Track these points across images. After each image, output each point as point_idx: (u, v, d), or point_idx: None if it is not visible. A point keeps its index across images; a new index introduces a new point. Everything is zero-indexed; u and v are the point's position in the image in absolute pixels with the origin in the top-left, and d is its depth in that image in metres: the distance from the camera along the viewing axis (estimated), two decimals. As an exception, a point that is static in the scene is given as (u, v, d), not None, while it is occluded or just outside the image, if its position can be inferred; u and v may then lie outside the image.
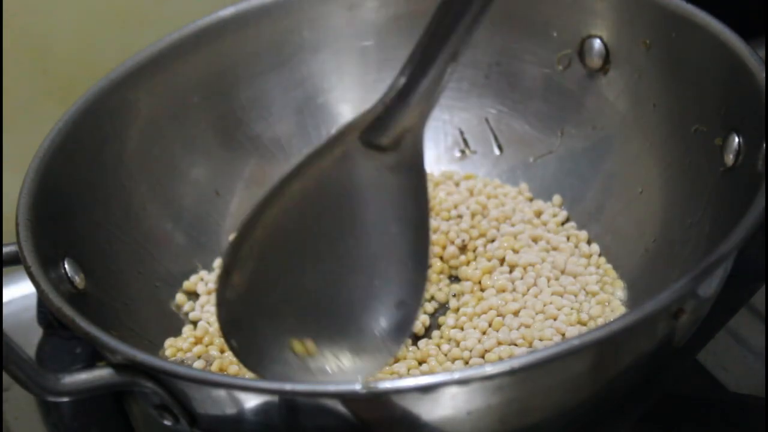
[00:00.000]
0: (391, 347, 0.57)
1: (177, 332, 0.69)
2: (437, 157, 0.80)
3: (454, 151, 0.80)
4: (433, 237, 0.73)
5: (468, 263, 0.72)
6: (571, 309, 0.66)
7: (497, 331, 0.66)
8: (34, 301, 0.73)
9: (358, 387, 0.49)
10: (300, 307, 0.58)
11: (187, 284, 0.72)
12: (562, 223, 0.74)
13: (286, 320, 0.58)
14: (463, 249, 0.73)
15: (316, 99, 0.80)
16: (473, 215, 0.74)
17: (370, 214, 0.58)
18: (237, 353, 0.57)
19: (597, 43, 0.74)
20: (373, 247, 0.58)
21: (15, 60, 0.81)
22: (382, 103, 0.57)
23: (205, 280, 0.72)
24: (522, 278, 0.69)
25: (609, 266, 0.70)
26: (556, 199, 0.75)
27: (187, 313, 0.71)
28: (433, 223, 0.74)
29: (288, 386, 0.51)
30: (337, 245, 0.58)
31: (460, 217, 0.75)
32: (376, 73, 0.80)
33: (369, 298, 0.58)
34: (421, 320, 0.69)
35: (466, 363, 0.65)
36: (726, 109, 0.64)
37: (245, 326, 0.57)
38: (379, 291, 0.58)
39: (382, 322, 0.57)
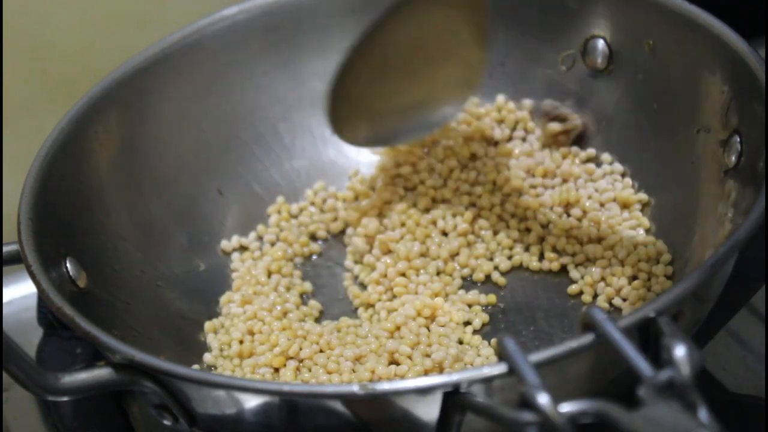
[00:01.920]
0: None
1: (178, 332, 0.69)
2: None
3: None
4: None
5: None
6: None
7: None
8: (34, 301, 0.73)
9: (356, 388, 0.49)
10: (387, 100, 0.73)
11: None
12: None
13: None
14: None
15: (319, 98, 0.80)
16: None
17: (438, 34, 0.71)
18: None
19: (600, 44, 0.73)
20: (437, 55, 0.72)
21: (15, 60, 0.81)
22: None
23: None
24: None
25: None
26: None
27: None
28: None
29: (286, 387, 0.52)
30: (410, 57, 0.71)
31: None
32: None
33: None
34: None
35: None
36: (728, 110, 0.64)
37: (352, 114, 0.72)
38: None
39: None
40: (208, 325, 0.69)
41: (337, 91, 0.70)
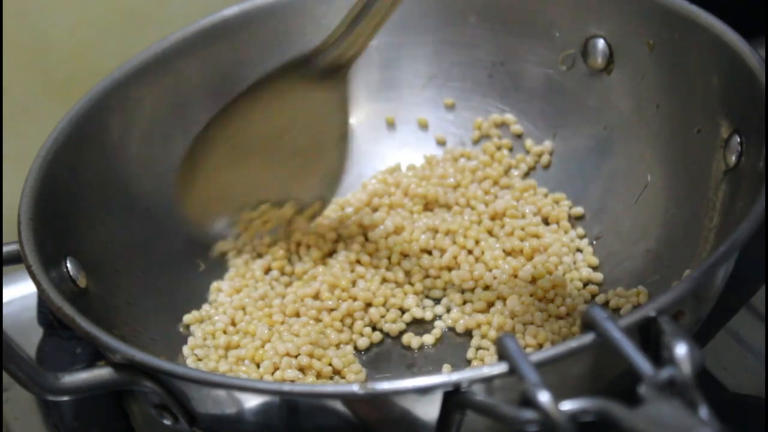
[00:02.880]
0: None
1: (178, 331, 0.69)
2: (441, 157, 0.80)
3: (456, 151, 0.80)
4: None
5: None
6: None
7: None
8: (34, 301, 0.73)
9: (356, 388, 0.49)
10: (243, 188, 0.72)
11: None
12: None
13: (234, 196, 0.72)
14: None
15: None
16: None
17: (302, 120, 0.71)
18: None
19: (600, 43, 0.73)
20: (303, 145, 0.72)
21: (15, 60, 0.81)
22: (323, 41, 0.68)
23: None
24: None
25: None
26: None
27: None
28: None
29: (286, 387, 0.52)
30: (273, 143, 0.71)
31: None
32: (380, 72, 0.80)
33: (295, 183, 0.72)
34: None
35: None
36: (728, 110, 0.64)
37: (202, 202, 0.71)
38: (304, 180, 0.73)
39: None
40: (190, 316, 0.70)
41: (190, 164, 0.69)
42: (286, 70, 0.69)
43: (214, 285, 0.73)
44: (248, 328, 0.68)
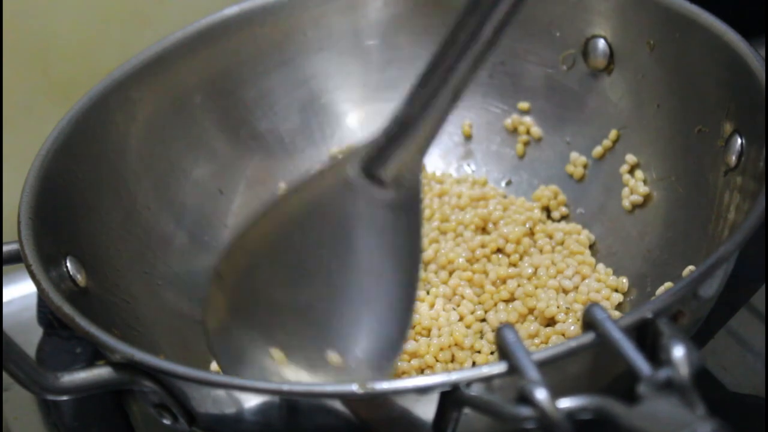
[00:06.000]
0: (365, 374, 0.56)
1: (179, 331, 0.69)
2: (442, 156, 0.80)
3: (457, 150, 0.80)
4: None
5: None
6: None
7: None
8: (34, 301, 0.73)
9: (355, 387, 0.49)
10: (282, 320, 0.59)
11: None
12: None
13: (270, 330, 0.59)
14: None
15: (319, 98, 0.80)
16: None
17: (362, 244, 0.58)
18: (217, 357, 0.60)
19: (601, 43, 0.73)
20: (362, 278, 0.58)
21: (15, 60, 0.82)
22: (384, 133, 0.54)
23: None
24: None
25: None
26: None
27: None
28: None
29: (286, 386, 0.51)
30: (326, 268, 0.58)
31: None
32: (380, 72, 0.80)
33: (350, 326, 0.57)
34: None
35: None
36: (729, 110, 0.64)
37: (233, 331, 0.59)
38: (362, 323, 0.57)
39: (358, 352, 0.57)
40: None
41: (224, 276, 0.59)
42: (333, 176, 0.57)
43: None
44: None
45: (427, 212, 0.76)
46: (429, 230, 0.74)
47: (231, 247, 0.59)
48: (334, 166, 0.57)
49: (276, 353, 0.58)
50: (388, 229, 0.57)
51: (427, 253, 0.72)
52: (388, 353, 0.56)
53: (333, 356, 0.57)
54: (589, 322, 0.49)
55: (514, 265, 0.71)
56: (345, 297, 0.58)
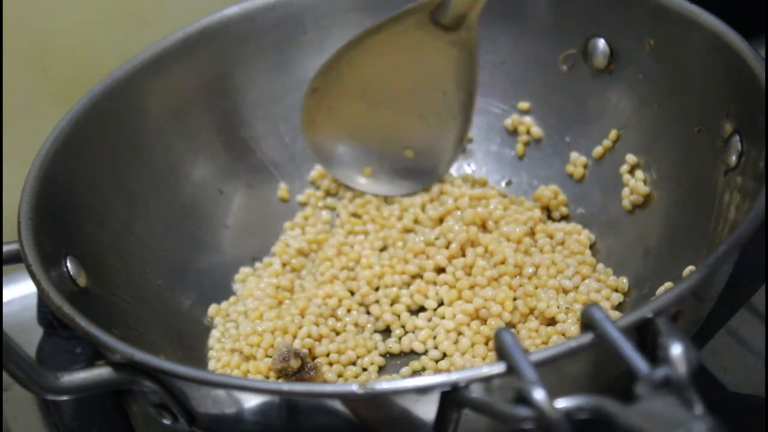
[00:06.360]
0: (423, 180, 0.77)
1: (179, 331, 0.69)
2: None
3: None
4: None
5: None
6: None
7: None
8: (34, 301, 0.73)
9: (355, 387, 0.49)
10: (366, 127, 0.77)
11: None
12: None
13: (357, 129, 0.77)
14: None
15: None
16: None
17: (433, 70, 0.75)
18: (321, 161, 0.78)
19: (601, 43, 0.73)
20: (431, 94, 0.76)
21: (15, 60, 0.82)
22: None
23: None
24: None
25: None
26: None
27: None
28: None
29: (286, 386, 0.51)
30: (405, 87, 0.76)
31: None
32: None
33: (423, 130, 0.77)
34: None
35: None
36: (729, 110, 0.64)
37: (328, 144, 0.77)
38: (431, 128, 0.77)
39: (428, 148, 0.77)
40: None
41: (318, 90, 0.74)
42: (409, 18, 0.72)
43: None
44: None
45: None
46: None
47: (324, 67, 0.74)
48: (406, 12, 0.72)
49: (366, 170, 0.78)
50: (452, 59, 0.74)
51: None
52: (450, 153, 0.77)
53: (408, 152, 0.77)
54: (587, 323, 0.49)
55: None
56: (419, 109, 0.76)
